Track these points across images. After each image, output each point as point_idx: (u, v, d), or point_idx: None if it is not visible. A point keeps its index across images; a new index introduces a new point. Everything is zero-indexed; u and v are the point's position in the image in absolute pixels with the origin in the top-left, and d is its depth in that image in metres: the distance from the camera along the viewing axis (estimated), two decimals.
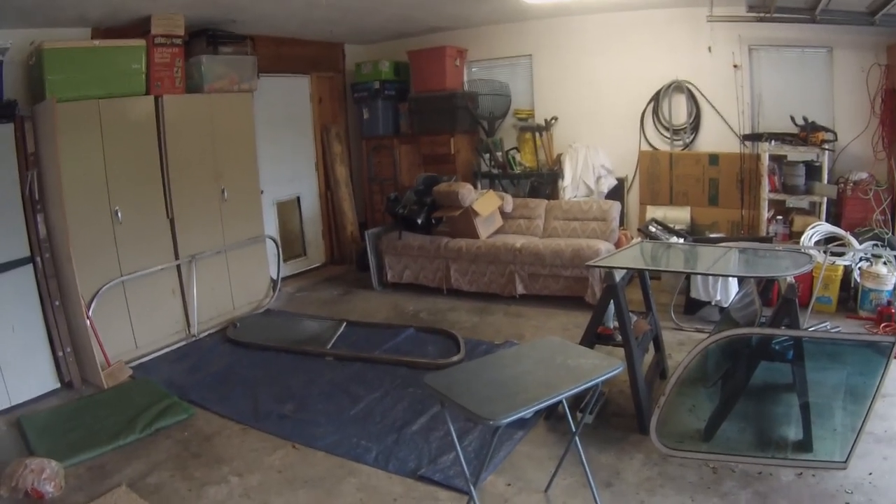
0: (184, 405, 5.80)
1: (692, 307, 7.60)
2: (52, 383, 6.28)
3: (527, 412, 3.36)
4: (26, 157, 6.23)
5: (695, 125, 9.21)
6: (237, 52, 8.34)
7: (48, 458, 4.64)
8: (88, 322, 6.39)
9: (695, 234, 8.71)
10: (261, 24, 8.57)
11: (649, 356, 5.85)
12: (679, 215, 9.13)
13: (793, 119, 8.16)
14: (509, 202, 9.30)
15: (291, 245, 10.49)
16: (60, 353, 6.29)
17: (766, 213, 8.36)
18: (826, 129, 8.06)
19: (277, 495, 4.46)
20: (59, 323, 6.29)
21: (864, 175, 8.02)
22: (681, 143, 9.32)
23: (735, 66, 8.71)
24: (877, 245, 7.43)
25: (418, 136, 10.58)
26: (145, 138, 7.21)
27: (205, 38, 8.01)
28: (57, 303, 6.27)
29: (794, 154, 8.18)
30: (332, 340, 7.32)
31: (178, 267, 7.62)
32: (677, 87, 9.20)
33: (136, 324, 7.14)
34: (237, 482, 4.63)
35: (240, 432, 5.39)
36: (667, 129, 9.36)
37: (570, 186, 9.43)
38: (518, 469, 4.63)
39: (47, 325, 6.25)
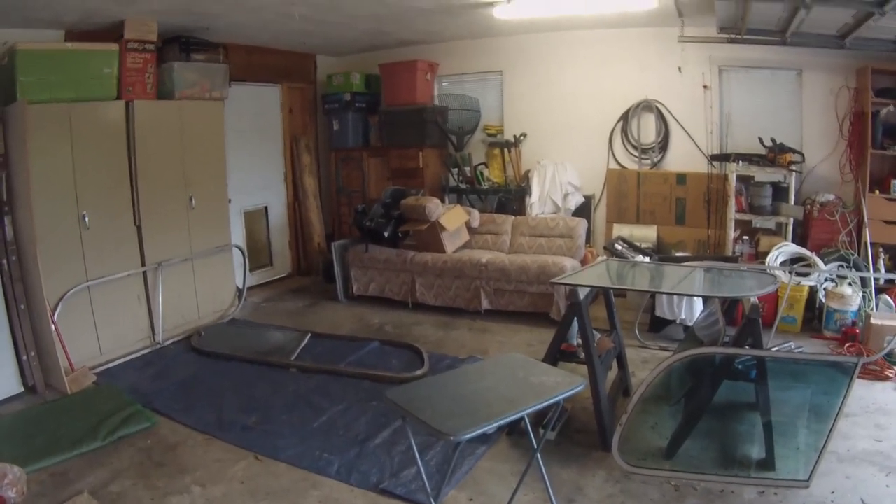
0: (147, 413, 5.75)
1: (657, 325, 7.64)
2: (15, 387, 6.21)
3: (488, 428, 3.37)
4: None
5: (663, 144, 9.30)
6: (209, 60, 8.32)
7: (11, 463, 4.59)
8: (53, 326, 6.33)
9: (661, 252, 8.76)
10: (234, 33, 8.59)
11: (613, 374, 5.87)
12: (646, 234, 9.19)
13: (761, 140, 8.25)
14: (476, 217, 9.33)
15: (258, 255, 10.45)
16: (25, 358, 6.22)
17: (732, 233, 8.45)
18: (794, 151, 8.17)
19: None
20: (23, 327, 6.23)
21: (830, 197, 8.13)
22: (649, 161, 9.40)
23: (705, 87, 8.80)
24: (842, 266, 7.53)
25: (387, 149, 10.60)
26: (115, 143, 7.16)
27: (178, 44, 7.99)
28: (22, 306, 6.20)
29: (762, 175, 8.27)
30: (297, 352, 7.29)
31: (145, 274, 7.56)
32: (647, 106, 9.28)
33: (100, 329, 7.07)
34: (200, 492, 4.60)
35: (203, 442, 5.35)
36: (635, 147, 9.44)
37: (538, 203, 9.47)
38: (480, 484, 4.62)
39: (12, 328, 6.18)
